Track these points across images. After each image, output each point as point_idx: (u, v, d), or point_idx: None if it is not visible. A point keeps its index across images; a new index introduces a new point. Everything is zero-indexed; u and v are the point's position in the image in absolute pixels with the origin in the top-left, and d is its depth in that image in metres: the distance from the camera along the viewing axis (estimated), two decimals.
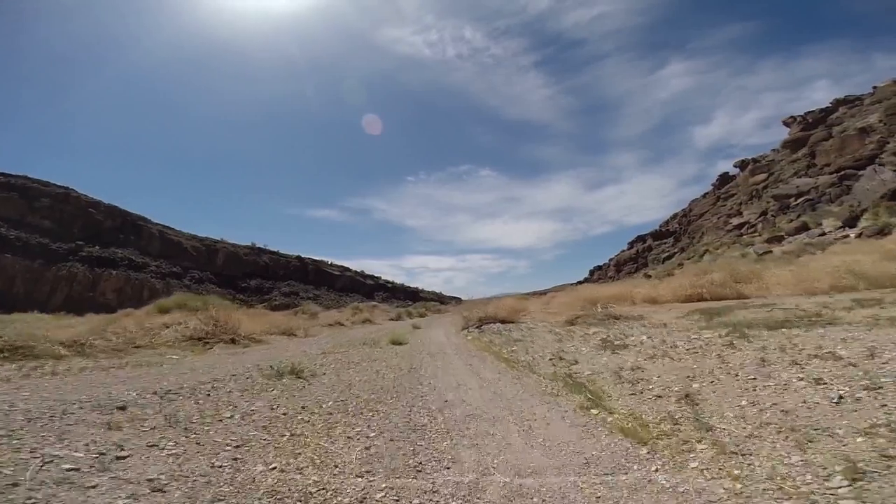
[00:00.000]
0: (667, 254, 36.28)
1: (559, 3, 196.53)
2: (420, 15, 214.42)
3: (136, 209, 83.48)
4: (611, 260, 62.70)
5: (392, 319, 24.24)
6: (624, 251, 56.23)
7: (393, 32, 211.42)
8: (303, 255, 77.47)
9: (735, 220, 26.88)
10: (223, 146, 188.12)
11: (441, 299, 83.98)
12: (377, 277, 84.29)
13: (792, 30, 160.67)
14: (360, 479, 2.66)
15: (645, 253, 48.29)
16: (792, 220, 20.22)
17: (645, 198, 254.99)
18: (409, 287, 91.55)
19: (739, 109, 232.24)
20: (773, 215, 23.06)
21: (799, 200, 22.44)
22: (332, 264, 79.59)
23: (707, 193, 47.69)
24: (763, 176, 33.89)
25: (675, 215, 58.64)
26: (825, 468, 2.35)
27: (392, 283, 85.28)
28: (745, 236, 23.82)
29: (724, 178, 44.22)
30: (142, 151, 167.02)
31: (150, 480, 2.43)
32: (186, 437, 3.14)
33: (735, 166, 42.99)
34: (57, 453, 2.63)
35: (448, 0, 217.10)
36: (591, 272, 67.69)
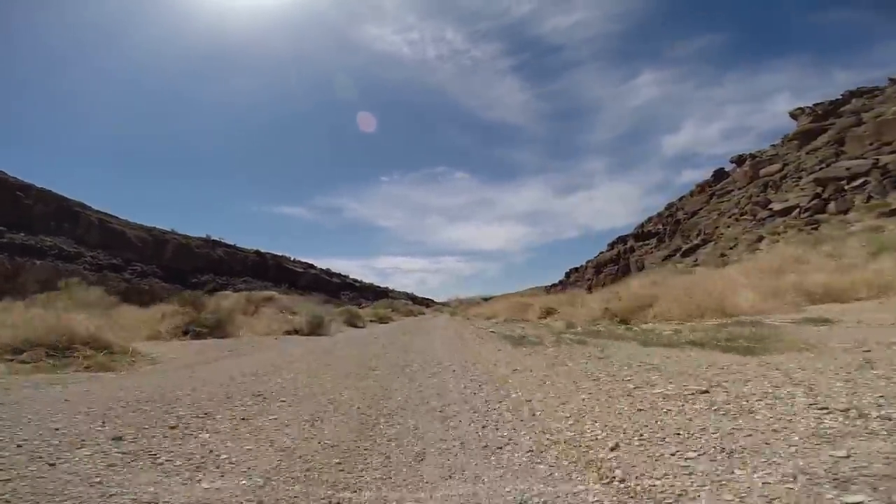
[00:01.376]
0: (666, 253, 34.81)
1: (540, 8, 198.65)
2: (402, 14, 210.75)
3: (90, 198, 75.16)
4: (588, 262, 61.58)
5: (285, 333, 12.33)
6: (604, 252, 55.12)
7: (373, 30, 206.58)
8: (262, 250, 71.93)
9: (775, 206, 25.45)
10: (188, 139, 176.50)
11: (413, 300, 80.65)
12: (344, 276, 79.66)
13: (758, 43, 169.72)
14: None
15: (626, 254, 47.09)
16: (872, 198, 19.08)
17: (612, 204, 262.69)
18: (378, 287, 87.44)
19: (704, 120, 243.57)
20: (832, 197, 21.82)
21: (858, 182, 21.31)
22: (294, 261, 74.40)
23: (693, 192, 47.19)
24: (777, 167, 33.23)
25: (655, 216, 58.15)
26: None
27: (360, 282, 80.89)
28: (788, 219, 22.37)
29: (720, 175, 43.73)
30: (109, 144, 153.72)
31: None
32: None
33: (731, 162, 42.70)
34: None
35: (431, 0, 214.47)
36: (567, 274, 66.40)
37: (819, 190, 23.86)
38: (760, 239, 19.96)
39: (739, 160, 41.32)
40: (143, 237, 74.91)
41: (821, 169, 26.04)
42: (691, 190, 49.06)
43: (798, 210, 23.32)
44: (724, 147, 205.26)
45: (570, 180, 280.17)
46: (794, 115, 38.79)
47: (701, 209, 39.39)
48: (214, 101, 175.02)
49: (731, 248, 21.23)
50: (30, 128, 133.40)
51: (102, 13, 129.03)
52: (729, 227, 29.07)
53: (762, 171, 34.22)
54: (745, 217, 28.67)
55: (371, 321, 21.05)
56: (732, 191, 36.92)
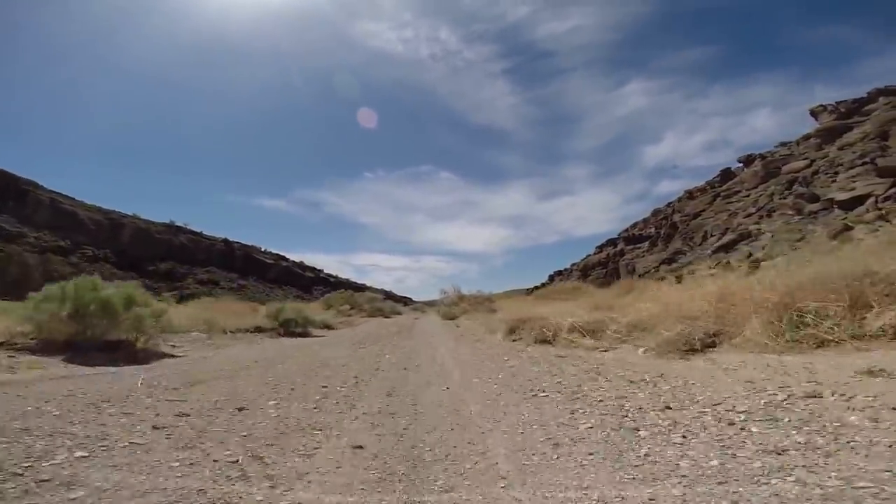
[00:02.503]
0: (663, 256, 32.37)
1: (536, 13, 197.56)
2: (398, 11, 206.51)
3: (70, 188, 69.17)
4: (574, 265, 59.40)
5: None
6: (591, 255, 52.86)
7: (368, 26, 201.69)
8: (230, 239, 67.18)
9: (839, 195, 23.13)
10: (168, 129, 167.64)
11: (391, 297, 77.18)
12: (318, 270, 75.30)
13: (745, 57, 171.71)
14: None
15: (616, 258, 44.82)
16: None
17: (593, 211, 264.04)
18: (355, 283, 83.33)
19: (687, 132, 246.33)
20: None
21: None
22: (265, 251, 69.79)
23: (692, 194, 45.20)
24: (802, 163, 31.37)
25: (641, 221, 56.21)
26: None
27: (335, 276, 76.65)
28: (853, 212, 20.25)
29: (727, 175, 41.85)
30: (91, 133, 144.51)
31: None
32: None
33: (739, 162, 41.05)
34: None
35: None
36: (551, 277, 64.40)
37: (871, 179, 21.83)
38: (843, 231, 17.26)
39: (747, 160, 39.72)
40: (98, 220, 69.28)
41: (863, 164, 24.13)
42: (687, 192, 47.13)
43: (874, 199, 21.10)
44: (703, 160, 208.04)
45: (553, 186, 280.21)
46: (814, 113, 37.35)
47: (703, 210, 37.29)
48: (202, 92, 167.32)
49: (794, 242, 18.58)
50: (34, 121, 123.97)
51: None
52: (757, 224, 26.63)
53: (785, 168, 32.36)
54: (777, 213, 26.41)
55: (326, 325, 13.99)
56: (740, 191, 34.99)
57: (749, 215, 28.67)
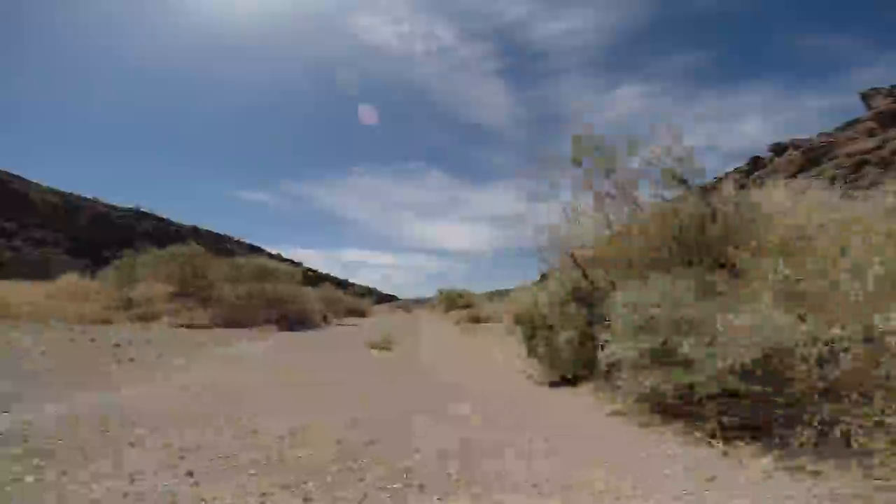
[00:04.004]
0: None
1: (535, 13, 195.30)
2: (395, 5, 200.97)
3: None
4: None
5: None
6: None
7: (363, 20, 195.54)
8: (200, 227, 61.72)
9: None
10: (153, 116, 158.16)
11: (375, 294, 72.97)
12: (297, 263, 70.19)
13: (735, 64, 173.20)
14: None
15: None
16: None
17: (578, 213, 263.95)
18: (337, 278, 78.56)
19: (675, 136, 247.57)
20: None
21: None
22: (239, 241, 64.51)
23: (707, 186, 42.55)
24: (872, 143, 28.95)
25: None
26: None
27: (316, 271, 71.65)
28: None
29: (757, 163, 39.43)
30: (85, 126, 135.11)
31: None
32: None
33: (770, 151, 38.77)
34: None
35: None
36: (544, 276, 61.27)
37: None
38: None
39: (778, 149, 37.52)
40: (52, 202, 62.84)
41: None
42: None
43: None
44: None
45: (541, 187, 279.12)
46: (866, 96, 35.17)
47: None
48: (187, 83, 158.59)
49: None
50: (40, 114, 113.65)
51: None
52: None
53: (848, 150, 30.03)
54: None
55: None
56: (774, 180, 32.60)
57: None
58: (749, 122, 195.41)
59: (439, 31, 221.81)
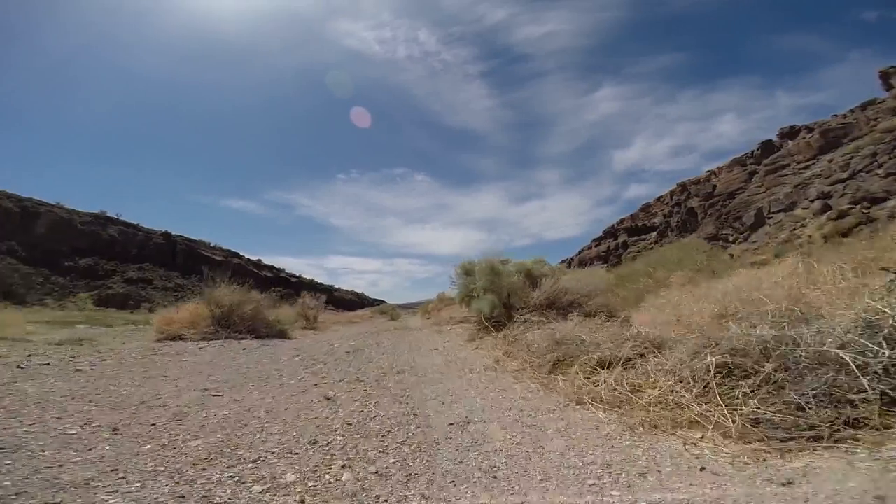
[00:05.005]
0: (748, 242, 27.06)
1: (514, 16, 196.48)
2: (377, 11, 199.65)
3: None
4: (563, 261, 54.09)
5: None
6: (589, 249, 47.88)
7: (346, 25, 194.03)
8: (173, 233, 57.61)
9: None
10: (134, 125, 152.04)
11: (362, 301, 69.44)
12: (278, 269, 66.44)
13: (713, 64, 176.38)
14: None
15: (618, 250, 39.73)
16: None
17: (563, 215, 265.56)
18: (320, 284, 74.83)
19: (655, 137, 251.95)
20: None
21: None
22: (215, 247, 60.54)
23: (718, 171, 40.77)
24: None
25: (628, 217, 51.75)
26: None
27: (298, 276, 67.86)
28: None
29: (769, 148, 37.74)
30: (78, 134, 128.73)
31: None
32: None
33: (781, 136, 37.19)
34: None
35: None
36: None
37: None
38: None
39: (791, 133, 35.93)
40: (8, 207, 57.89)
41: None
42: (709, 172, 42.82)
43: None
44: (670, 164, 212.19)
45: (525, 189, 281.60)
46: (886, 75, 33.99)
47: (740, 189, 32.74)
48: (171, 90, 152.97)
49: None
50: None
51: None
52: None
53: (884, 126, 28.33)
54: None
55: None
56: (789, 164, 30.86)
57: (837, 182, 24.27)
58: (725, 121, 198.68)
59: (423, 36, 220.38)
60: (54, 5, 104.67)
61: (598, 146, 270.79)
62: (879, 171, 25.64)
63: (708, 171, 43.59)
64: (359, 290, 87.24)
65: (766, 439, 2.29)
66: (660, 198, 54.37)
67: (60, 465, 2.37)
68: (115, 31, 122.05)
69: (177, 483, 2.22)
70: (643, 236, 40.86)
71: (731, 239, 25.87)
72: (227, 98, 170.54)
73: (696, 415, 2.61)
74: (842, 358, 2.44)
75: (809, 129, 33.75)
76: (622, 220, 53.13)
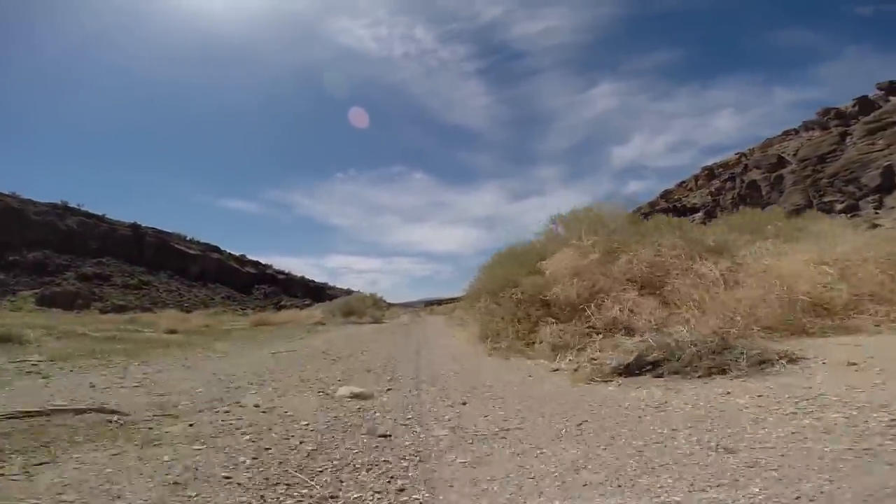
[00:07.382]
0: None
1: (511, 13, 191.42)
2: (373, 8, 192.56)
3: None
4: None
5: None
6: None
7: (341, 22, 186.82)
8: (142, 224, 50.39)
9: None
10: (129, 125, 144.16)
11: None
12: (265, 265, 59.37)
13: (709, 60, 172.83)
14: None
15: None
16: None
17: (563, 211, 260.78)
18: (312, 282, 67.90)
19: (653, 133, 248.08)
20: None
21: None
22: (190, 240, 53.41)
23: (772, 140, 34.96)
24: None
25: (653, 199, 45.75)
26: None
27: (286, 273, 60.80)
28: None
29: (868, 105, 32.22)
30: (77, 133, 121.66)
31: None
32: None
33: (880, 89, 31.95)
34: None
35: None
36: None
37: None
38: None
39: (892, 88, 30.96)
40: None
41: None
42: (768, 140, 37.24)
43: None
44: (668, 160, 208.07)
45: (524, 186, 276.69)
46: None
47: (832, 151, 26.93)
48: (166, 89, 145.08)
49: None
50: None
51: None
52: None
53: None
54: None
55: None
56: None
57: None
58: (723, 117, 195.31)
59: (419, 33, 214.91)
60: (50, 4, 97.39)
61: (596, 142, 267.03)
62: None
63: (768, 139, 38.56)
64: (355, 290, 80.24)
65: None
66: (682, 182, 48.74)
67: None
68: (108, 31, 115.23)
69: None
70: (683, 217, 35.60)
71: (838, 208, 20.88)
72: (223, 97, 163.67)
73: None
74: None
75: None
76: (653, 203, 47.33)
